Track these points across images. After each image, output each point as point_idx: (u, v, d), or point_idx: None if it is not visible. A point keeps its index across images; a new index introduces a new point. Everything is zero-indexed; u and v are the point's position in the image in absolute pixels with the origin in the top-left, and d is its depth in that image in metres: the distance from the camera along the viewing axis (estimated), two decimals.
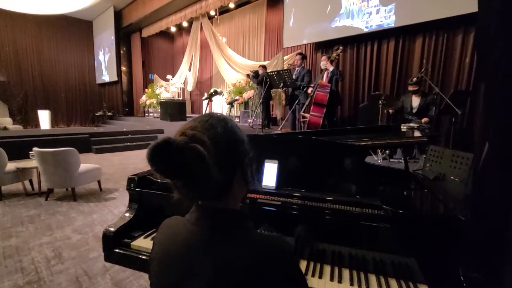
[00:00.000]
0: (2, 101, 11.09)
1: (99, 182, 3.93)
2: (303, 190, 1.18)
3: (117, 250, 1.16)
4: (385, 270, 0.99)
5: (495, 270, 0.77)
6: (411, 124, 3.72)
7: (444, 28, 4.41)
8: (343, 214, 1.05)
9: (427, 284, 0.92)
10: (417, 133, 3.46)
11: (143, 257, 1.12)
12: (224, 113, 4.43)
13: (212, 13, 9.43)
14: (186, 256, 0.55)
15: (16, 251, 2.31)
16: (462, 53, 4.32)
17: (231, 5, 8.89)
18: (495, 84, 0.69)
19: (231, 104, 3.33)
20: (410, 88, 3.92)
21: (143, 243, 1.17)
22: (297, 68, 5.09)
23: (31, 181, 3.91)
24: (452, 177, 2.04)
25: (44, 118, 11.02)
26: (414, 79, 3.86)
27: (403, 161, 3.73)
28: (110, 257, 1.18)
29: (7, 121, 10.55)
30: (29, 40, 11.45)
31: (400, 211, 0.99)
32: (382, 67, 5.15)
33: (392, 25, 4.64)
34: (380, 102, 3.95)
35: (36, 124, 11.34)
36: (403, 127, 3.58)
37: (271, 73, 4.64)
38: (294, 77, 4.89)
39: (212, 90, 2.87)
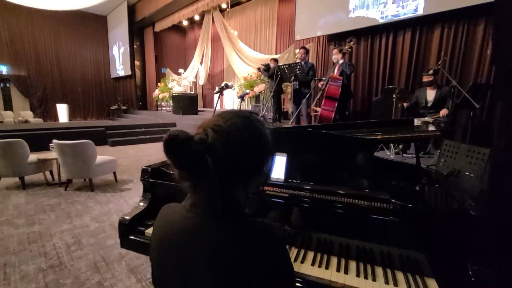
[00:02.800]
0: (23, 95, 11.58)
1: (114, 173, 4.07)
2: (311, 183, 1.19)
3: (132, 237, 1.22)
4: (392, 263, 1.00)
5: (506, 266, 0.77)
6: (426, 118, 3.62)
7: (465, 18, 4.21)
8: (351, 207, 1.05)
9: (435, 278, 0.92)
10: (431, 128, 3.38)
11: None
12: (235, 107, 4.46)
13: (224, 6, 9.38)
14: (181, 241, 0.57)
15: (39, 237, 2.45)
16: (483, 44, 4.12)
17: None
18: None
19: (241, 98, 3.34)
20: (425, 79, 3.79)
21: None
22: (301, 62, 5.02)
23: (51, 172, 4.11)
24: (467, 173, 1.98)
25: (63, 111, 11.44)
26: (431, 70, 3.73)
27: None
28: (125, 243, 1.24)
29: (28, 115, 11.03)
30: (48, 36, 11.83)
31: (409, 205, 0.99)
32: (397, 60, 4.99)
33: (409, 15, 4.48)
34: (394, 96, 3.85)
35: (55, 117, 11.79)
36: (418, 122, 3.49)
37: (282, 66, 4.60)
38: None
39: (223, 84, 2.89)
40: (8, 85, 11.22)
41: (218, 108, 10.26)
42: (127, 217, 1.26)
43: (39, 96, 11.86)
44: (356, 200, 1.08)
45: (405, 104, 4.03)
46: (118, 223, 1.24)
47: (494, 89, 3.52)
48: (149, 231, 1.22)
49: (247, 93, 4.96)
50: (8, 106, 11.22)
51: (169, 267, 0.59)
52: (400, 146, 3.91)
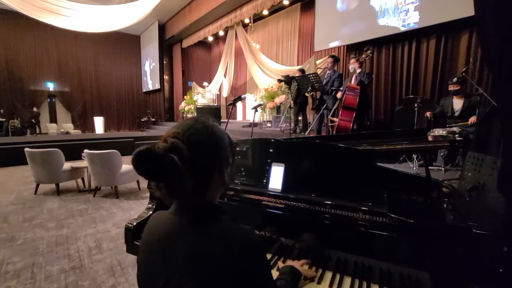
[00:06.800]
0: (66, 109, 12.76)
1: (138, 182, 4.29)
2: (309, 195, 1.18)
3: (136, 243, 1.28)
4: (391, 281, 0.95)
5: None
6: (453, 129, 3.39)
7: None
8: (345, 220, 1.03)
9: None
10: (459, 139, 3.16)
11: None
12: (252, 118, 4.53)
13: (247, 21, 9.71)
14: (165, 241, 0.62)
15: (66, 240, 2.65)
16: None
17: (265, 12, 9.06)
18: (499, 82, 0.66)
19: (255, 108, 3.38)
20: (451, 87, 3.58)
21: None
22: (328, 72, 4.96)
23: (82, 179, 4.44)
24: (492, 187, 1.82)
25: (99, 123, 12.43)
26: (455, 78, 3.52)
27: (442, 168, 3.41)
28: (130, 249, 1.31)
29: (70, 127, 12.09)
30: (88, 54, 13.04)
31: (406, 219, 0.94)
32: (421, 68, 4.76)
33: (432, 23, 4.29)
34: (415, 105, 3.67)
35: (92, 129, 12.80)
36: (443, 132, 3.29)
37: (298, 77, 4.60)
38: (324, 81, 4.79)
39: (237, 96, 2.98)
40: (54, 100, 12.45)
41: (240, 118, 10.41)
42: (134, 223, 1.33)
43: (79, 110, 13.00)
44: (352, 213, 1.05)
45: (428, 114, 3.81)
46: (124, 229, 1.32)
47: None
48: None
49: (260, 105, 5.01)
50: (53, 119, 12.42)
51: (154, 269, 0.62)
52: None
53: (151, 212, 1.41)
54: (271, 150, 1.31)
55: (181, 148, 0.57)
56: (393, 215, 0.98)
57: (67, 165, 4.08)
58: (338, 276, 1.00)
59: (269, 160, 1.29)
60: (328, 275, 1.01)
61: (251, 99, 10.11)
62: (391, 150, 1.22)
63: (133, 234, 1.30)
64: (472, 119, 3.42)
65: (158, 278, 0.60)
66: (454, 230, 0.89)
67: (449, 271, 0.85)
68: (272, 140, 1.32)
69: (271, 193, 1.22)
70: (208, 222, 0.61)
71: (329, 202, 1.11)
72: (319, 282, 0.98)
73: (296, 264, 0.97)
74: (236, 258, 0.56)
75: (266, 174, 1.27)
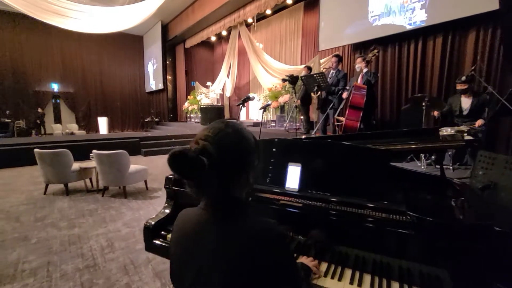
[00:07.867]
0: (71, 110, 12.84)
1: (145, 182, 4.33)
2: (326, 194, 1.20)
3: (155, 241, 1.31)
4: (410, 279, 0.96)
5: None
6: (462, 127, 3.38)
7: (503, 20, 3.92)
8: (364, 219, 1.04)
9: None
10: (467, 137, 3.16)
11: None
12: (261, 118, 4.53)
13: (250, 20, 9.72)
14: (196, 234, 0.66)
15: (78, 239, 2.68)
16: None
17: (268, 12, 9.05)
18: None
19: (263, 109, 3.40)
20: (459, 87, 3.57)
21: None
22: (332, 71, 4.96)
23: (90, 179, 4.47)
24: (504, 186, 1.83)
25: (103, 124, 12.50)
26: (463, 77, 3.51)
27: (451, 167, 3.41)
28: (149, 247, 1.34)
29: (74, 127, 12.18)
30: (93, 55, 13.12)
31: (425, 217, 0.95)
32: (427, 67, 4.74)
33: (439, 21, 4.28)
34: (423, 104, 3.66)
35: (96, 129, 12.88)
36: (451, 131, 3.28)
37: (304, 77, 4.60)
38: (329, 80, 4.79)
39: (245, 96, 3.00)
40: (58, 101, 12.54)
41: (244, 118, 10.50)
42: (152, 222, 1.35)
43: (84, 110, 13.09)
44: (370, 212, 1.06)
45: (435, 113, 3.80)
46: (144, 228, 1.34)
47: None
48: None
49: (268, 104, 5.04)
50: (57, 119, 12.51)
51: (186, 261, 0.67)
52: (433, 157, 3.68)
53: (167, 211, 1.44)
54: (286, 150, 1.33)
55: (211, 150, 0.62)
56: (412, 213, 0.99)
57: (76, 166, 4.12)
58: (357, 274, 1.02)
59: (283, 160, 1.30)
60: (348, 272, 1.03)
61: (255, 99, 10.13)
62: (406, 150, 1.23)
63: (151, 233, 1.32)
64: (479, 122, 3.41)
65: (189, 270, 0.64)
66: (474, 228, 0.91)
67: (470, 269, 0.86)
68: (280, 140, 1.34)
69: (288, 192, 1.24)
70: (235, 216, 0.65)
71: (346, 201, 1.12)
72: (339, 279, 0.99)
73: (304, 260, 1.02)
74: (261, 250, 0.60)
75: (282, 173, 1.29)
